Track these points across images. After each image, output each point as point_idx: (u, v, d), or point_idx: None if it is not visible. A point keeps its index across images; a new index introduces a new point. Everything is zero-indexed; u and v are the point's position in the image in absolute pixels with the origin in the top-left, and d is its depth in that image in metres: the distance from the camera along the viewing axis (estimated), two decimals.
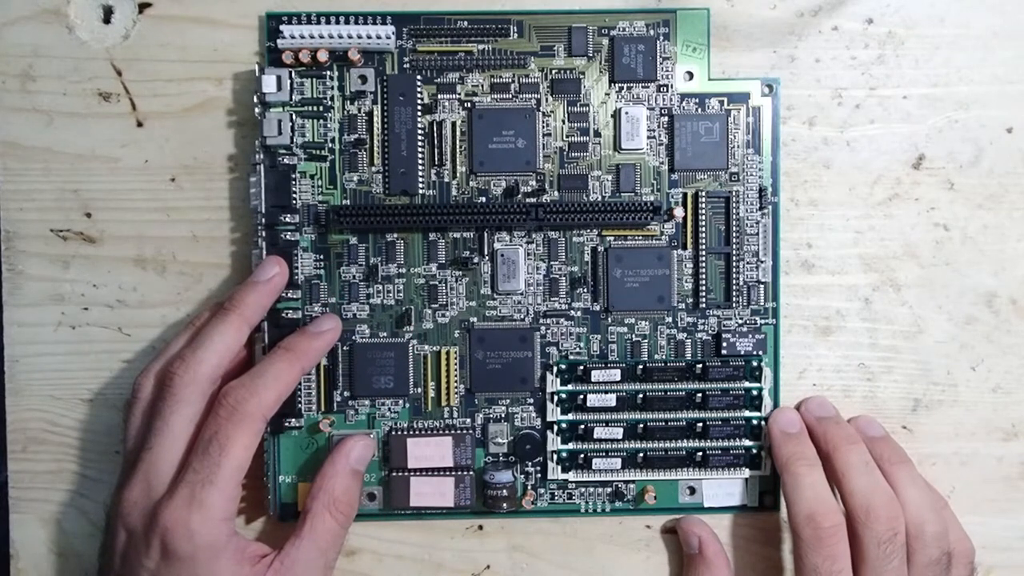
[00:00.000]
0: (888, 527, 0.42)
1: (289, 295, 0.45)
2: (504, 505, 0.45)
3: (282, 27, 0.44)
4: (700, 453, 0.46)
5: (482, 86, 0.46)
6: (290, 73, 0.45)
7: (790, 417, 0.46)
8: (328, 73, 0.45)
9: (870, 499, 0.43)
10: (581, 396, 0.46)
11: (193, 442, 0.41)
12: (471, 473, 0.46)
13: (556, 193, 0.46)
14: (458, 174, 0.46)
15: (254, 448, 0.41)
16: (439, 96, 0.46)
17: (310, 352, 0.44)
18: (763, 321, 0.46)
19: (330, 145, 0.46)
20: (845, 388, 0.47)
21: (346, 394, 0.46)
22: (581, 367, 0.46)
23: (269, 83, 0.44)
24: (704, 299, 0.46)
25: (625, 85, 0.46)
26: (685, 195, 0.46)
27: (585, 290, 0.46)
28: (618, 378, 0.46)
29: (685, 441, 0.46)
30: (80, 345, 0.47)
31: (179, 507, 0.39)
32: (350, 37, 0.44)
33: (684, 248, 0.46)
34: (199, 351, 0.41)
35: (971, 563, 0.44)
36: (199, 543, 0.39)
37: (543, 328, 0.46)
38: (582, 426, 0.46)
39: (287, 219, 0.45)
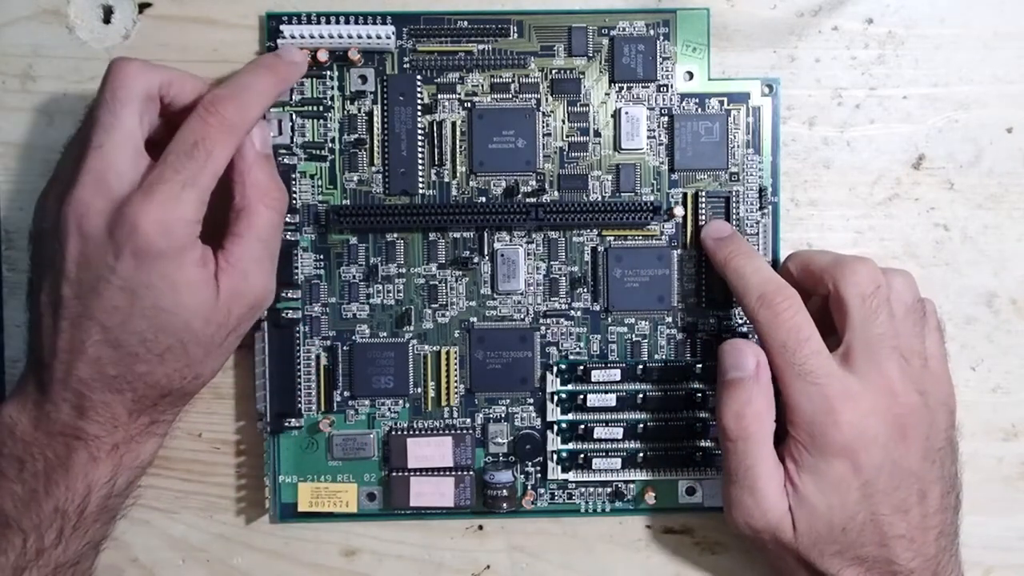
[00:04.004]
0: (870, 280, 0.41)
1: (289, 295, 0.45)
2: (504, 505, 0.45)
3: (282, 27, 0.44)
4: (700, 453, 0.46)
5: (482, 86, 0.46)
6: None
7: (718, 225, 0.45)
8: (328, 73, 0.45)
9: (841, 261, 0.42)
10: (581, 396, 0.46)
11: (146, 142, 0.40)
12: (471, 473, 0.46)
13: (556, 193, 0.46)
14: (458, 174, 0.46)
15: (229, 160, 0.41)
16: (439, 96, 0.46)
17: (288, 79, 0.43)
18: None
19: (330, 145, 0.46)
20: None
21: (346, 394, 0.46)
22: (581, 367, 0.46)
23: None
24: (704, 299, 0.46)
25: (625, 85, 0.46)
26: (685, 195, 0.46)
27: (585, 290, 0.46)
28: (618, 378, 0.46)
29: (685, 441, 0.46)
30: None
31: (158, 205, 0.38)
32: (350, 37, 0.44)
33: (684, 248, 0.46)
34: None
35: (935, 313, 0.44)
36: (172, 241, 0.39)
37: (543, 328, 0.46)
38: (582, 426, 0.46)
39: (287, 219, 0.45)
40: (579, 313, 0.46)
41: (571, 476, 0.46)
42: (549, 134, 0.46)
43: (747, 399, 0.41)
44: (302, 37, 0.44)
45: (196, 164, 0.39)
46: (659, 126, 0.46)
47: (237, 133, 0.41)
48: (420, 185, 0.46)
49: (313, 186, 0.46)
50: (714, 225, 0.45)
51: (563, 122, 0.46)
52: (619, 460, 0.46)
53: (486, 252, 0.46)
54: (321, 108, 0.45)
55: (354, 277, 0.46)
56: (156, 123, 0.42)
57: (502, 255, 0.46)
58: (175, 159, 0.39)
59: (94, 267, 0.39)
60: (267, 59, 0.43)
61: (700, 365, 0.46)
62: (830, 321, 0.42)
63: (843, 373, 0.40)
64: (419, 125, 0.46)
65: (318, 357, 0.46)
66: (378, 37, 0.44)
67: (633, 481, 0.46)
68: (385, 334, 0.46)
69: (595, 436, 0.46)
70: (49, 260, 0.40)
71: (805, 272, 0.43)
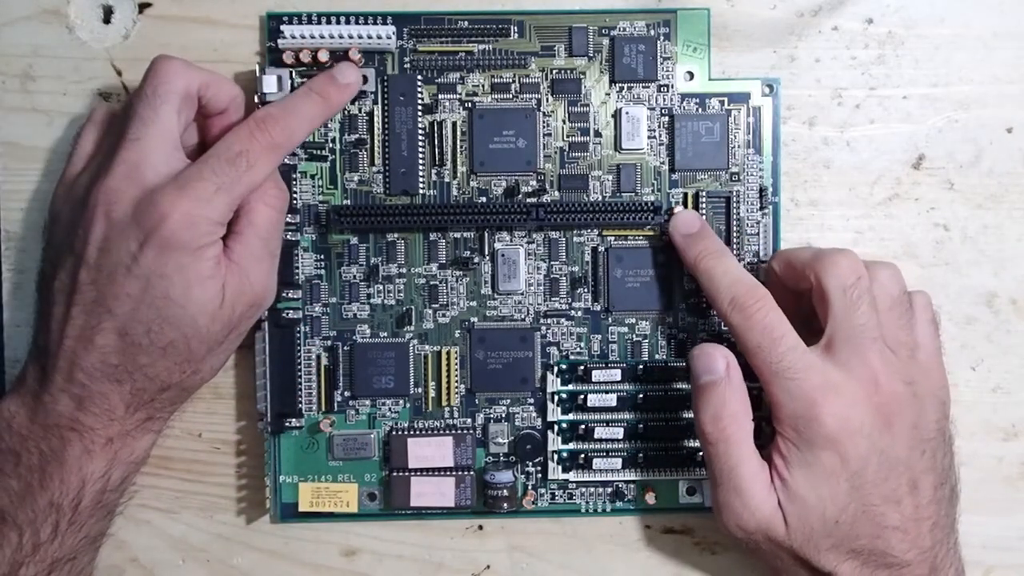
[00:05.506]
0: (850, 271, 0.41)
1: (289, 295, 0.45)
2: (504, 505, 0.45)
3: (283, 27, 0.44)
4: (700, 453, 0.46)
5: (482, 86, 0.46)
6: (291, 73, 0.45)
7: (687, 219, 0.45)
8: None
9: (822, 254, 0.42)
10: (582, 396, 0.46)
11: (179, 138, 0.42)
12: (471, 473, 0.46)
13: (556, 193, 0.46)
14: (458, 174, 0.46)
15: (266, 177, 0.42)
16: (439, 96, 0.46)
17: (338, 104, 0.44)
18: None
19: (331, 145, 0.46)
20: None
21: (347, 394, 0.46)
22: (582, 367, 0.46)
23: (270, 83, 0.44)
24: (704, 299, 0.46)
25: (625, 85, 0.46)
26: (685, 195, 0.46)
27: (586, 290, 0.46)
28: (619, 378, 0.46)
29: (685, 441, 0.46)
30: None
31: (189, 199, 0.39)
32: (350, 37, 0.44)
33: None
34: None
35: (930, 306, 0.44)
36: (195, 235, 0.39)
37: (544, 328, 0.46)
38: (583, 426, 0.46)
39: (288, 219, 0.45)
40: (579, 313, 0.46)
41: (571, 476, 0.46)
42: (549, 134, 0.46)
43: (722, 401, 0.41)
44: (302, 37, 0.44)
45: (235, 172, 0.40)
46: (659, 126, 0.46)
47: (280, 154, 0.42)
48: (420, 185, 0.46)
49: (314, 186, 0.46)
50: (682, 218, 0.45)
51: (563, 122, 0.46)
52: (619, 460, 0.46)
53: (486, 252, 0.46)
54: None
55: (355, 277, 0.46)
56: (190, 123, 0.43)
57: (502, 255, 0.46)
58: (216, 162, 0.40)
59: (115, 252, 0.39)
60: (320, 82, 0.44)
61: None
62: (816, 316, 0.43)
63: (823, 364, 0.41)
64: (419, 125, 0.46)
65: (319, 357, 0.46)
66: (378, 37, 0.44)
67: (633, 481, 0.46)
68: (386, 334, 0.46)
69: (596, 436, 0.46)
70: (68, 246, 0.41)
71: (788, 268, 0.44)
